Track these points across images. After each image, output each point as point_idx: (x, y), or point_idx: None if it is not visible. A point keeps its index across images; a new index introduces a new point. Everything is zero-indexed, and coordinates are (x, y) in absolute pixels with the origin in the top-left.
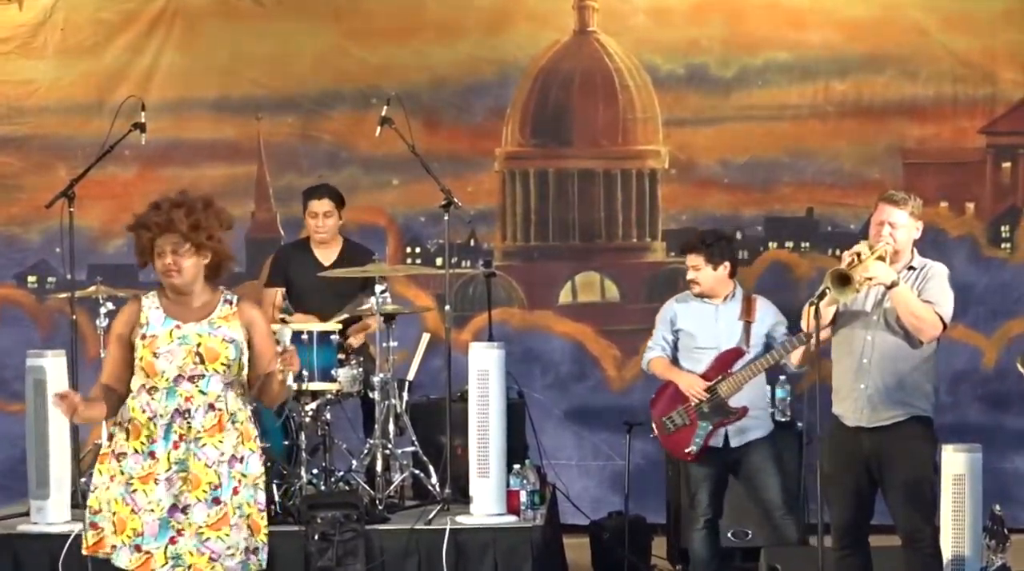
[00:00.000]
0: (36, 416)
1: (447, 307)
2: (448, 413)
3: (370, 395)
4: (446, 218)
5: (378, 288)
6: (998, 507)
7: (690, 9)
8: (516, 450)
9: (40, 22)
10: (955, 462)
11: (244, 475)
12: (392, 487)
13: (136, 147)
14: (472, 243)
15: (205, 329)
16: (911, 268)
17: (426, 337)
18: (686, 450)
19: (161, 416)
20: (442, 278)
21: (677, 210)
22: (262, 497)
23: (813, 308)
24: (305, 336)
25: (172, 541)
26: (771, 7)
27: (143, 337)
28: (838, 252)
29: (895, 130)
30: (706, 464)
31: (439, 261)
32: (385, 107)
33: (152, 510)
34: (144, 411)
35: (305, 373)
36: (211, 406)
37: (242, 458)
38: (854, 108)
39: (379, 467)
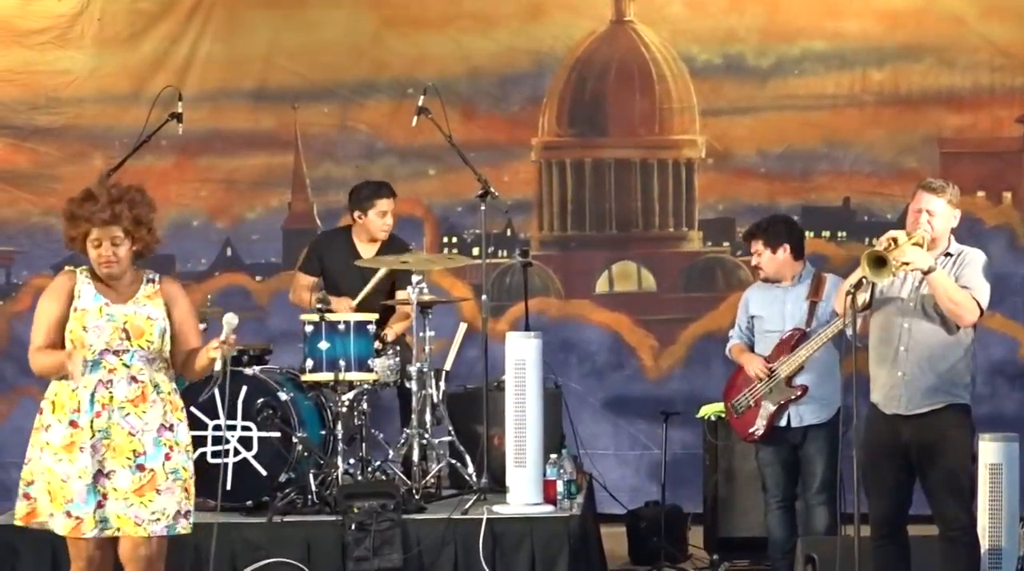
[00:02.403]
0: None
1: (484, 297)
2: (485, 403)
3: (407, 385)
4: (483, 208)
5: (415, 278)
6: None
7: None
8: (553, 440)
9: (78, 12)
10: (992, 451)
11: (177, 442)
12: (429, 477)
13: (173, 137)
14: (509, 233)
15: (131, 309)
16: (948, 254)
17: (463, 327)
18: (750, 430)
19: (84, 387)
20: (479, 268)
21: (714, 200)
22: (191, 463)
23: (849, 297)
24: (342, 326)
25: (99, 505)
26: None
27: (75, 310)
28: (875, 242)
29: (932, 119)
30: (772, 446)
31: (476, 251)
32: (422, 97)
33: (80, 476)
34: (69, 383)
35: (342, 363)
36: (133, 378)
37: (171, 426)
38: (891, 97)
39: (416, 457)
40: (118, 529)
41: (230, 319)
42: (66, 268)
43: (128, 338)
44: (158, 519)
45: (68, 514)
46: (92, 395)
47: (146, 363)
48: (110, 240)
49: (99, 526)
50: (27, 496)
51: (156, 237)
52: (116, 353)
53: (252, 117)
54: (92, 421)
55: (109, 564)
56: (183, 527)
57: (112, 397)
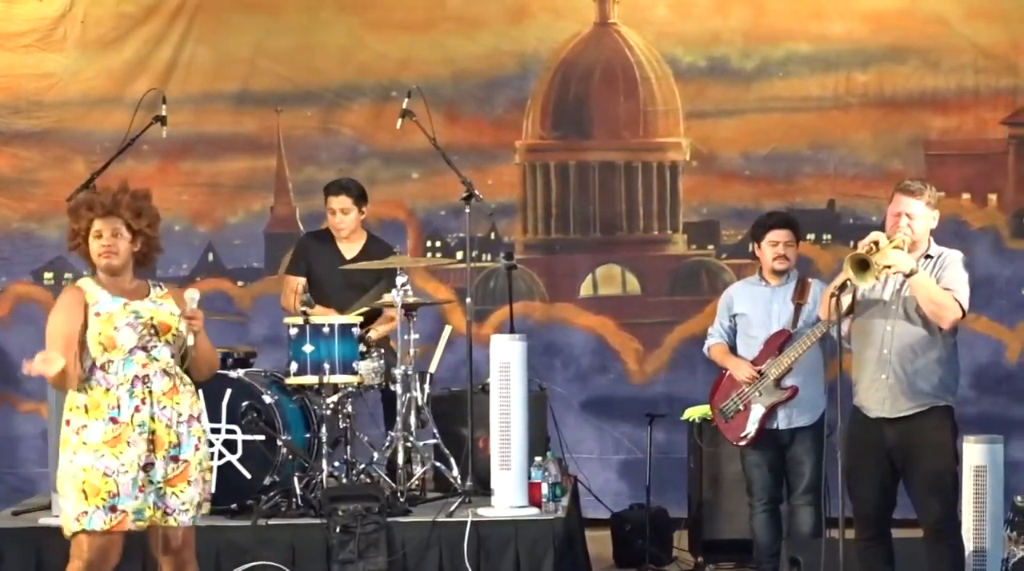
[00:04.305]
0: (58, 410)
1: (468, 300)
2: (470, 405)
3: (391, 388)
4: (467, 211)
5: (399, 280)
6: (1019, 498)
7: (712, 1)
8: (537, 442)
9: (61, 15)
10: (976, 453)
11: (204, 432)
12: (414, 479)
13: (155, 141)
14: (493, 236)
15: (152, 305)
16: (928, 257)
17: (448, 329)
18: (741, 435)
19: (120, 385)
20: (462, 273)
21: (698, 202)
22: (208, 452)
23: (834, 299)
24: (326, 329)
25: (136, 498)
26: None
27: (97, 314)
28: (858, 245)
29: (917, 121)
30: (759, 448)
31: (459, 254)
32: (406, 100)
33: (127, 471)
34: (101, 384)
35: (326, 366)
36: (164, 372)
37: (198, 416)
38: (876, 99)
39: (401, 459)
40: (146, 520)
41: (191, 294)
42: (67, 284)
43: (157, 334)
44: (187, 509)
45: (113, 508)
46: (130, 391)
47: (172, 357)
48: (111, 231)
49: (134, 517)
50: (63, 510)
51: (158, 236)
52: (145, 349)
53: (235, 120)
54: (133, 416)
55: (111, 564)
56: (199, 517)
57: (151, 391)
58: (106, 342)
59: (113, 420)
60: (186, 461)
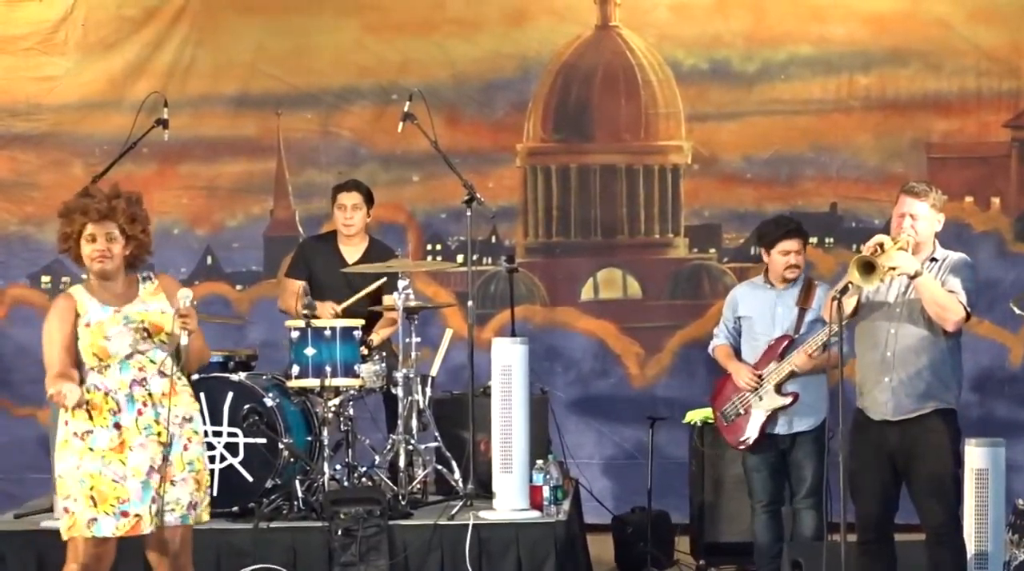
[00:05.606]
0: (58, 413)
1: (470, 302)
2: (471, 408)
3: (393, 391)
4: (468, 214)
5: (401, 284)
6: (1021, 501)
7: (713, 3)
8: (539, 446)
9: (61, 18)
10: (978, 457)
11: (195, 432)
12: (415, 483)
13: (154, 144)
14: (494, 240)
15: (141, 308)
16: (933, 259)
17: (449, 332)
18: (741, 439)
19: (119, 389)
20: (463, 276)
21: (700, 205)
22: (205, 454)
23: (835, 302)
24: (328, 332)
25: (153, 501)
26: (794, 1)
27: (87, 325)
28: (862, 248)
29: (919, 124)
30: (760, 451)
31: (460, 258)
32: (407, 103)
33: (135, 475)
34: (99, 389)
35: (328, 369)
36: (161, 373)
37: (191, 417)
38: (878, 102)
39: (402, 463)
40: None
41: (184, 293)
42: (64, 288)
43: (149, 336)
44: (172, 510)
45: (124, 514)
46: (129, 396)
47: (167, 356)
48: (105, 235)
49: (155, 520)
50: (67, 511)
51: (150, 241)
52: (140, 353)
53: (234, 123)
54: (136, 420)
55: (106, 567)
56: (193, 518)
57: (150, 393)
58: (99, 352)
59: (117, 426)
60: (171, 462)
